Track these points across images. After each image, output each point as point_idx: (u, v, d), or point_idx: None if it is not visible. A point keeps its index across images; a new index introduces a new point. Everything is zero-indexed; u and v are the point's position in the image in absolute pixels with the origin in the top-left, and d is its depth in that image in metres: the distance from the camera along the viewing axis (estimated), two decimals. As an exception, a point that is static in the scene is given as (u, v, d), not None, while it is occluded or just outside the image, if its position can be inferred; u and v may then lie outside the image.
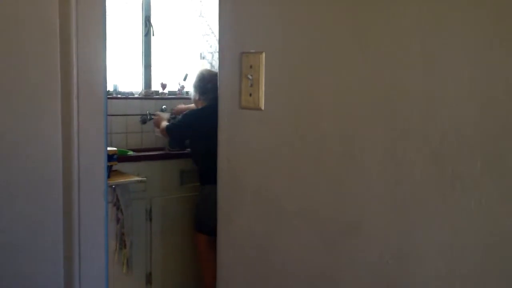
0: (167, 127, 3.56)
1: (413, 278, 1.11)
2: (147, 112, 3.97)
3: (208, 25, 4.43)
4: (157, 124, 3.75)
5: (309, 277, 1.32)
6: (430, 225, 1.07)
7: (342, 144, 1.23)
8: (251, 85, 1.40)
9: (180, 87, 4.31)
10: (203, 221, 3.39)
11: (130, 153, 3.65)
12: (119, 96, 4.01)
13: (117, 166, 3.29)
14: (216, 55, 4.32)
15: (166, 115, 3.80)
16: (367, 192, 1.18)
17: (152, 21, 4.21)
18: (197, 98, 3.54)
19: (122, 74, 4.11)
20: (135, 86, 4.21)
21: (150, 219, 3.52)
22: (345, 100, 1.21)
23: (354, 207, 1.21)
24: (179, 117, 3.60)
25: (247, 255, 1.49)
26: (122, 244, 3.33)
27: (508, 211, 0.96)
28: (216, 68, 4.29)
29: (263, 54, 1.38)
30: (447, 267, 1.05)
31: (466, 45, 1.01)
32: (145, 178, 3.34)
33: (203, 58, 4.46)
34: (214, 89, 3.40)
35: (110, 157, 3.01)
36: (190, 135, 3.51)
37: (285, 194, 1.37)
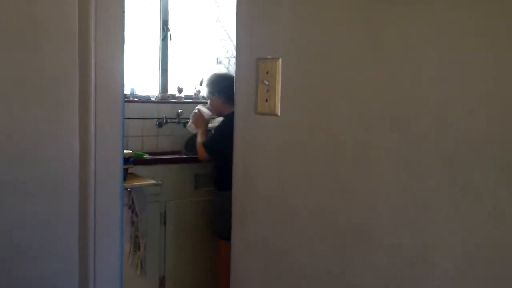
0: (205, 145, 3.44)
1: (425, 284, 1.11)
2: (164, 116, 4.00)
3: (225, 30, 4.44)
4: (197, 123, 3.60)
5: (321, 281, 1.33)
6: (442, 232, 1.07)
7: (356, 150, 1.23)
8: (268, 91, 1.41)
9: (196, 91, 4.33)
10: (226, 227, 3.37)
11: (146, 156, 3.67)
12: (135, 99, 4.04)
13: (133, 169, 3.32)
14: (233, 60, 4.33)
15: (207, 113, 3.61)
16: (380, 198, 1.18)
17: (170, 25, 4.24)
18: (218, 101, 3.49)
19: (139, 78, 4.14)
20: (152, 89, 4.24)
21: (164, 223, 3.54)
22: (360, 106, 1.22)
23: (366, 213, 1.21)
24: (212, 132, 3.50)
25: (260, 258, 1.49)
26: (136, 246, 3.35)
27: (523, 220, 0.96)
28: (232, 73, 4.31)
29: (280, 60, 1.39)
30: (459, 275, 1.05)
31: (481, 56, 1.01)
32: (160, 182, 3.36)
33: (220, 63, 4.48)
34: (229, 86, 3.37)
35: (126, 160, 3.03)
36: (228, 145, 3.43)
37: (299, 199, 1.37)
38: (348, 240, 1.26)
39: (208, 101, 3.59)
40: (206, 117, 3.59)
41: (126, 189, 3.15)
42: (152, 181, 3.33)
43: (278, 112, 1.40)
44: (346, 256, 1.27)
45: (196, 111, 3.61)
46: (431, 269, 1.09)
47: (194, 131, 3.65)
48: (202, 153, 3.46)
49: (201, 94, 4.34)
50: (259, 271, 1.51)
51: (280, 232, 1.43)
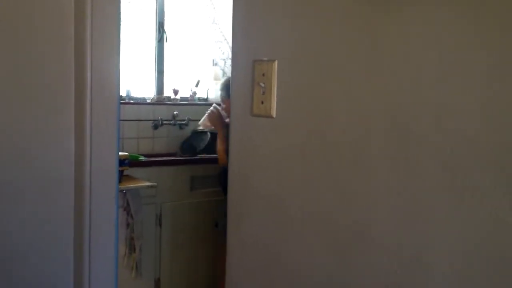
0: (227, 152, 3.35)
1: (424, 286, 1.11)
2: (159, 118, 4.00)
3: (221, 31, 4.45)
4: (213, 121, 3.50)
5: (317, 283, 1.33)
6: (440, 235, 1.07)
7: (353, 152, 1.23)
8: (263, 93, 1.41)
9: (192, 93, 4.33)
10: None
11: (142, 158, 3.67)
12: (131, 101, 4.03)
13: (128, 171, 3.31)
14: (229, 62, 4.33)
15: (225, 114, 3.48)
16: (377, 201, 1.18)
17: (166, 27, 4.24)
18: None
19: (135, 80, 4.13)
20: (148, 91, 4.24)
21: (160, 224, 3.53)
22: (357, 109, 1.22)
23: (363, 215, 1.21)
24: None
25: (256, 260, 1.49)
26: (131, 248, 3.35)
27: (519, 223, 0.96)
28: (228, 74, 4.31)
29: (276, 62, 1.39)
30: (457, 277, 1.05)
31: (481, 56, 1.01)
32: (155, 184, 3.35)
33: (216, 64, 4.48)
34: None
35: (122, 162, 3.02)
36: None
37: (295, 201, 1.37)
38: (347, 242, 1.26)
39: (224, 105, 3.53)
40: (225, 115, 3.50)
41: (122, 191, 3.15)
42: (148, 183, 3.33)
43: (274, 114, 1.40)
44: (344, 258, 1.27)
45: (214, 109, 3.54)
46: (431, 270, 1.09)
47: (206, 129, 3.63)
48: (224, 160, 3.35)
49: (197, 96, 4.34)
50: (255, 273, 1.50)
51: (277, 235, 1.43)
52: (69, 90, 1.98)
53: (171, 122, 4.08)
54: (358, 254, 1.23)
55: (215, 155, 3.76)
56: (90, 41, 1.97)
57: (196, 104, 4.29)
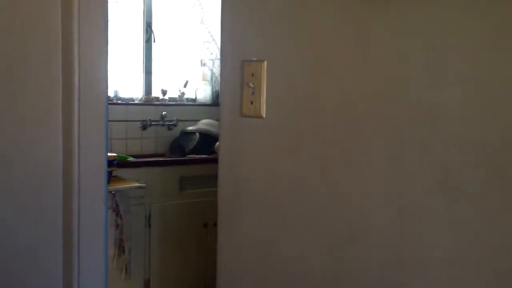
0: None
1: (418, 285, 1.11)
2: (147, 118, 3.98)
3: (209, 32, 4.44)
4: None
5: (311, 283, 1.32)
6: (433, 236, 1.08)
7: (345, 153, 1.23)
8: (253, 93, 1.41)
9: (181, 93, 4.32)
10: None
11: (130, 159, 3.65)
12: (119, 102, 4.02)
13: (117, 172, 3.29)
14: (217, 63, 4.33)
15: None
16: (370, 201, 1.18)
17: (153, 27, 4.22)
18: None
19: (123, 80, 4.11)
20: (136, 92, 4.22)
21: (149, 225, 3.52)
22: (348, 109, 1.22)
23: (356, 216, 1.22)
24: None
25: (248, 262, 1.49)
26: (120, 250, 3.33)
27: (511, 222, 0.97)
28: (217, 75, 4.30)
29: (265, 63, 1.39)
30: (450, 278, 1.06)
31: (471, 59, 1.01)
32: (144, 184, 3.34)
33: (204, 65, 4.47)
34: None
35: (110, 162, 3.01)
36: None
37: (287, 202, 1.37)
38: (339, 245, 1.26)
39: None
40: None
41: (110, 192, 3.13)
42: (136, 184, 3.31)
43: (264, 115, 1.40)
44: (337, 261, 1.27)
45: None
46: (423, 273, 1.10)
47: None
48: None
49: (185, 96, 4.33)
50: (246, 273, 1.50)
51: (268, 235, 1.43)
52: (56, 90, 1.97)
53: (160, 122, 4.07)
54: (352, 256, 1.23)
55: (204, 156, 3.76)
56: (78, 42, 1.96)
57: (185, 104, 4.28)
